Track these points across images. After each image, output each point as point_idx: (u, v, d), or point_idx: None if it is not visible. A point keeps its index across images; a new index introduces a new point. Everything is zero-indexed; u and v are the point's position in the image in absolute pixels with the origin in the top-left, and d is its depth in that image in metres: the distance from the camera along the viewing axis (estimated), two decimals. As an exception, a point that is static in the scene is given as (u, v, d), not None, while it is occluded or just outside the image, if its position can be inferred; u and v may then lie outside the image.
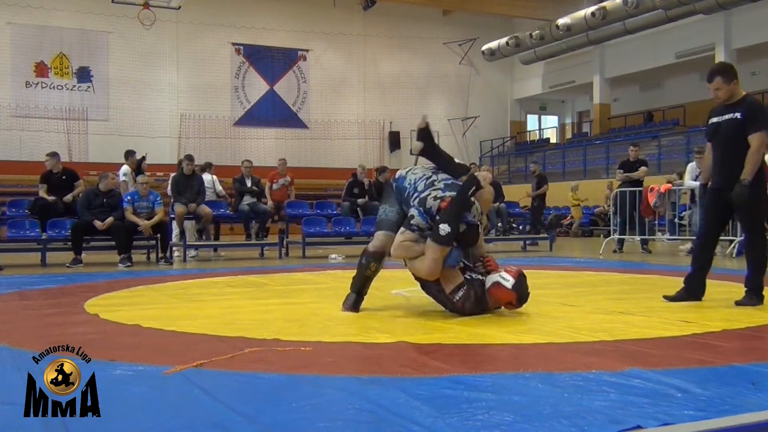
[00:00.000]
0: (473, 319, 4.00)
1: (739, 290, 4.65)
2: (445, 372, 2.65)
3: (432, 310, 4.33)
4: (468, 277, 4.09)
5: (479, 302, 4.05)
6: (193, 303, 4.94)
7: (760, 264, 4.61)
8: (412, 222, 4.01)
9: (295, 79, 24.33)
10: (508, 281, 3.97)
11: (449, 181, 4.13)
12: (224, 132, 22.85)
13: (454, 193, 3.98)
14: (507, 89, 28.19)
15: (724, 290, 5.47)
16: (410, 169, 4.34)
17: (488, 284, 4.05)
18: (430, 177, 4.18)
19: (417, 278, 4.21)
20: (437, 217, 3.93)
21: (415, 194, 4.11)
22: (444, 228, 3.83)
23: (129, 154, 11.61)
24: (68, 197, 9.51)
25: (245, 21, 23.17)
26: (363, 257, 4.34)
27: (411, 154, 4.52)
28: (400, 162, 24.25)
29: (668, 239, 12.25)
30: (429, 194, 4.04)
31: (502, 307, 4.15)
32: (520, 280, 4.02)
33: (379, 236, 4.26)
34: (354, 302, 4.34)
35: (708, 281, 4.86)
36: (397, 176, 4.34)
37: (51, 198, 9.43)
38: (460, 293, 4.01)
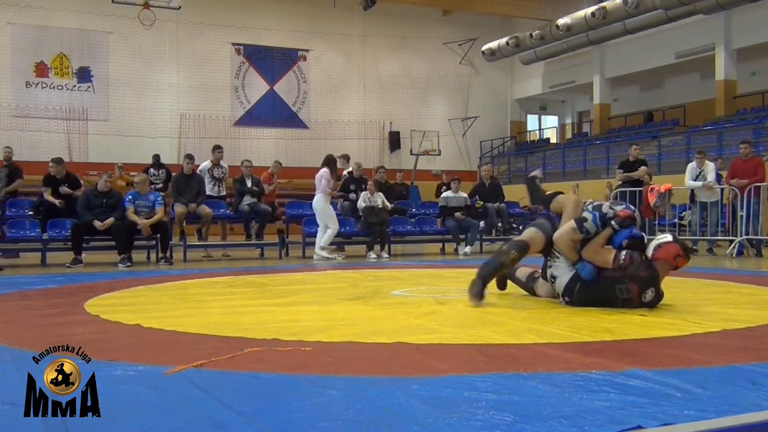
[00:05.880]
0: (472, 319, 4.01)
1: (738, 290, 4.65)
2: (445, 372, 2.64)
3: (432, 311, 4.34)
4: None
5: (647, 266, 4.23)
6: (193, 303, 4.93)
7: None
8: (584, 224, 4.38)
9: (295, 79, 24.32)
10: (667, 238, 4.34)
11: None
12: (224, 132, 22.80)
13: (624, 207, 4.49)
14: (507, 89, 28.17)
15: (723, 290, 5.48)
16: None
17: (651, 252, 4.28)
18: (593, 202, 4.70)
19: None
20: (611, 222, 4.36)
21: (589, 204, 4.55)
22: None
23: (215, 148, 11.84)
24: (65, 190, 9.68)
25: (245, 21, 23.17)
26: (505, 245, 4.68)
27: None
28: (401, 162, 24.26)
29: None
30: (603, 204, 4.52)
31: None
32: (676, 238, 4.38)
33: (529, 231, 4.60)
34: (480, 290, 4.46)
35: (707, 281, 4.85)
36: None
37: (59, 201, 9.47)
38: (623, 253, 4.26)
